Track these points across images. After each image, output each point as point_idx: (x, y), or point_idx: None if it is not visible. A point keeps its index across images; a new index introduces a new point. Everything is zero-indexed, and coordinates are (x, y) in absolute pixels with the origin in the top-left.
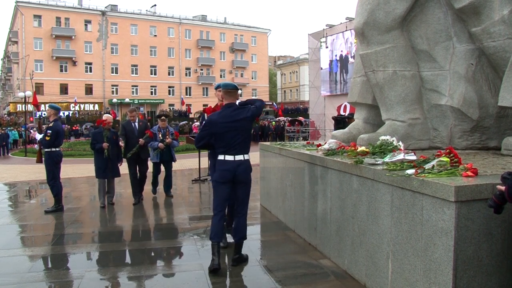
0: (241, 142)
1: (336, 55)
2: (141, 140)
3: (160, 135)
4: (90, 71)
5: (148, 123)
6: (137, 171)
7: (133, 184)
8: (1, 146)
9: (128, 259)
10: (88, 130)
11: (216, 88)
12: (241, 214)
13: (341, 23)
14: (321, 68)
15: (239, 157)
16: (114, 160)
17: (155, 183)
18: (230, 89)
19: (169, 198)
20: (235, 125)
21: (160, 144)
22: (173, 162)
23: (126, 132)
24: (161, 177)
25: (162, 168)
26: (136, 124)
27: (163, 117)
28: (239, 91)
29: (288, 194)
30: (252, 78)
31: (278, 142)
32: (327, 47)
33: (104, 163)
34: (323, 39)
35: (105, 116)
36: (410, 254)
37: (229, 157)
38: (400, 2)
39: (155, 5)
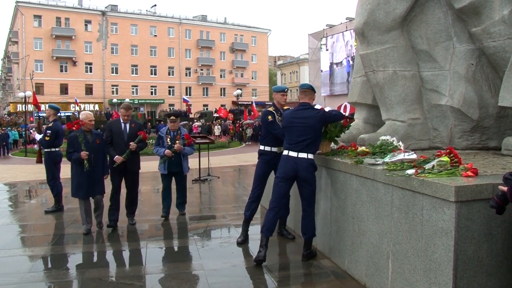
0: (305, 140)
1: (347, 56)
2: (133, 144)
3: (168, 139)
4: (90, 71)
5: (149, 123)
6: (121, 186)
7: (112, 201)
8: (1, 146)
9: (128, 259)
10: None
11: (278, 91)
12: (308, 213)
13: (341, 23)
14: (321, 71)
15: (302, 155)
16: (99, 172)
17: (165, 201)
18: (306, 89)
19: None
20: (301, 121)
21: (167, 151)
22: (186, 174)
23: (112, 134)
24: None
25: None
26: (128, 125)
27: (172, 117)
28: (240, 91)
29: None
30: (252, 78)
31: None
32: (327, 50)
33: (85, 177)
34: (323, 41)
35: (84, 115)
36: (410, 254)
37: (292, 153)
38: (400, 2)
39: (155, 5)
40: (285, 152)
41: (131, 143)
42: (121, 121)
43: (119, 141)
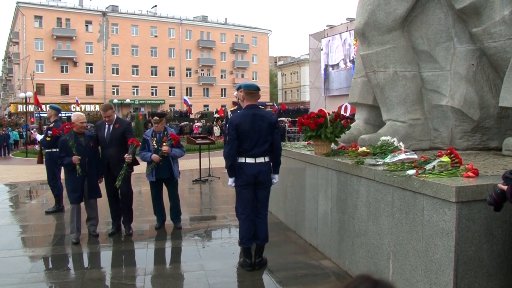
0: (261, 144)
1: (345, 57)
2: (128, 156)
3: (154, 142)
4: (91, 71)
5: (149, 124)
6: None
7: (110, 205)
8: (2, 146)
9: (128, 260)
10: (89, 130)
11: (238, 89)
12: (263, 216)
13: (341, 23)
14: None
15: (260, 159)
16: (93, 174)
17: (157, 211)
18: (252, 90)
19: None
20: (256, 126)
21: (154, 156)
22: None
23: (97, 137)
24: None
25: None
26: (111, 126)
27: (156, 118)
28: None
29: (288, 194)
30: (253, 79)
31: None
32: (321, 49)
33: (79, 182)
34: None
35: (74, 116)
36: (411, 255)
37: (249, 160)
38: (401, 2)
39: (155, 5)
40: (242, 159)
41: (126, 155)
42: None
43: (102, 144)
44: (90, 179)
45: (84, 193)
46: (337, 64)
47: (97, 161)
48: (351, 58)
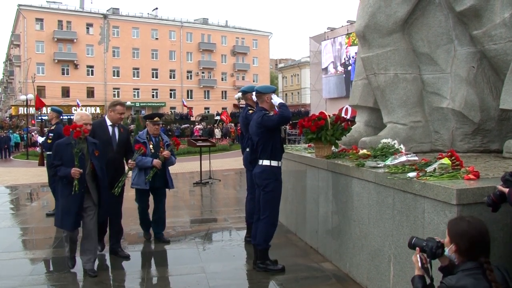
0: (258, 146)
1: (323, 63)
2: (132, 162)
3: (151, 146)
4: (92, 74)
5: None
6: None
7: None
8: (3, 149)
9: (129, 262)
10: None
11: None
12: (262, 218)
13: (342, 26)
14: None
15: (260, 161)
16: (105, 190)
17: (144, 221)
18: (258, 93)
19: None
20: (254, 128)
21: (156, 161)
22: (168, 190)
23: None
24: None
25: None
26: (116, 130)
27: (156, 118)
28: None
29: (289, 197)
30: (254, 81)
31: None
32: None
33: (75, 201)
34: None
35: (78, 115)
36: (411, 257)
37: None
38: (401, 5)
39: (156, 8)
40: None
41: (130, 161)
42: (108, 123)
43: (106, 149)
44: (103, 193)
45: (84, 216)
46: (326, 68)
47: (104, 172)
48: (343, 60)
